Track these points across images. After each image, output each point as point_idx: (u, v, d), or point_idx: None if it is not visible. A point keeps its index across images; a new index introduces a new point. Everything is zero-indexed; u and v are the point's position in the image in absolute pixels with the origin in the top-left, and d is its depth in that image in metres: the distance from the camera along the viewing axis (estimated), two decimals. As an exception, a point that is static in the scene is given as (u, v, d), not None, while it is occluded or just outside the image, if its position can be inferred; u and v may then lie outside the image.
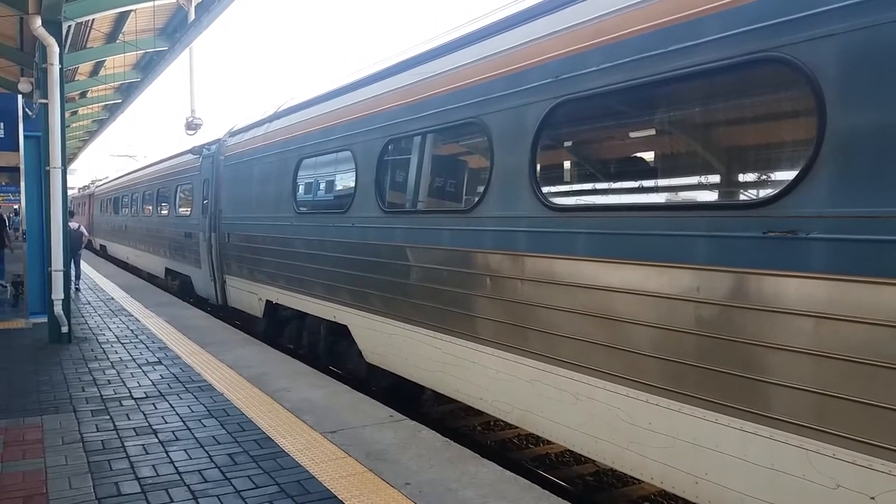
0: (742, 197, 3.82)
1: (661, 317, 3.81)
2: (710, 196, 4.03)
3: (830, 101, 3.05)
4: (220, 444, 4.98)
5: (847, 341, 2.96)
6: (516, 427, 6.79)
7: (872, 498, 2.88)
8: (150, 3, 11.93)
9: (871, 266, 2.87)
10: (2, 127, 9.71)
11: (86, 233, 16.17)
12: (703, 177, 4.19)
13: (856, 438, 2.94)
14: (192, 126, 19.89)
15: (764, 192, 3.51)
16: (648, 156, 4.69)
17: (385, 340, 6.69)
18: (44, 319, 9.48)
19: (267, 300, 9.74)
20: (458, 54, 5.85)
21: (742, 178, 3.98)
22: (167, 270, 15.99)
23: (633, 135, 4.79)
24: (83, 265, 20.37)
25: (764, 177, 3.77)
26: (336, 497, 4.04)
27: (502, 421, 6.79)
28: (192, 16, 12.98)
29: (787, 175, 3.31)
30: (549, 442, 6.36)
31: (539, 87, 4.74)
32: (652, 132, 4.54)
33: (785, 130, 3.65)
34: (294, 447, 4.91)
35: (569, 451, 6.30)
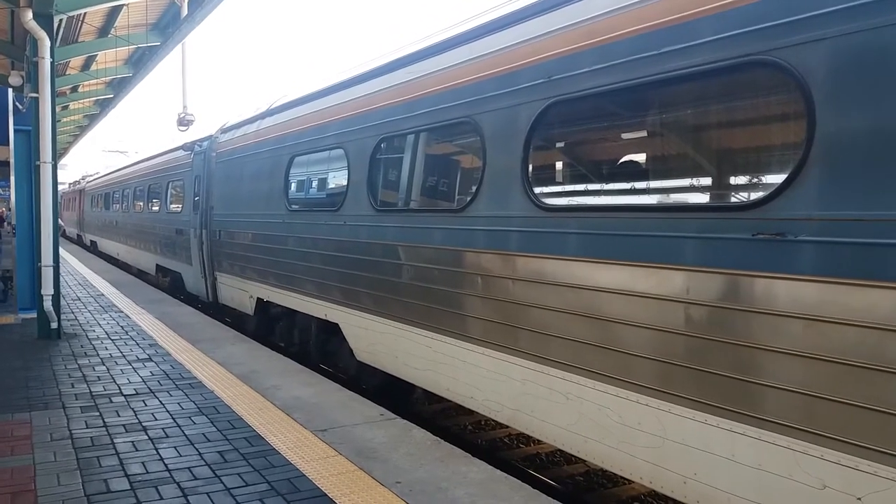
0: (732, 199, 3.85)
1: (651, 317, 3.83)
2: (701, 198, 4.09)
3: (820, 104, 3.08)
4: (210, 441, 4.97)
5: (834, 343, 2.99)
6: (507, 426, 6.80)
7: (859, 499, 2.91)
8: (143, -2, 11.88)
9: (859, 268, 2.90)
10: (-8, 121, 9.65)
11: (61, 222, 16.16)
12: (693, 179, 4.24)
13: (842, 439, 2.96)
14: (184, 122, 19.85)
15: (753, 195, 3.52)
16: (639, 157, 4.72)
17: (376, 339, 6.70)
18: (33, 315, 9.41)
19: (258, 298, 9.72)
20: (451, 53, 5.84)
21: (732, 180, 4.02)
22: (158, 267, 15.94)
23: (624, 136, 4.82)
24: (74, 261, 20.28)
25: (753, 179, 3.81)
26: (326, 495, 4.04)
27: (493, 420, 6.81)
28: (184, 11, 12.91)
29: (777, 178, 3.33)
30: (539, 442, 6.38)
31: (532, 88, 4.75)
32: (644, 134, 4.57)
33: (775, 133, 3.67)
34: (284, 445, 4.90)
35: (559, 451, 6.31)
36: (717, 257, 3.48)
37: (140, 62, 18.19)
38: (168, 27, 15.13)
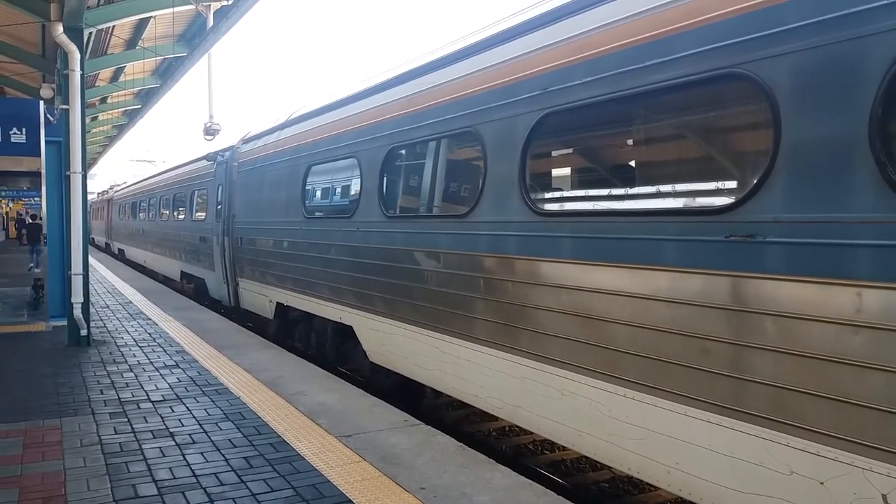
0: (707, 203, 4.03)
1: (636, 316, 4.05)
2: (680, 202, 4.29)
3: (785, 113, 3.29)
4: (236, 447, 5.01)
5: (800, 338, 3.18)
6: (531, 433, 6.77)
7: (822, 483, 3.10)
8: (170, 10, 12.06)
9: (822, 267, 3.09)
10: (24, 132, 9.81)
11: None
12: (673, 184, 4.45)
13: (807, 428, 3.16)
14: (210, 131, 20.07)
15: (726, 199, 3.70)
16: (625, 164, 5.06)
17: (387, 340, 6.95)
18: (63, 322, 9.57)
19: (277, 302, 10.00)
20: (454, 67, 6.10)
21: (707, 185, 4.22)
22: (182, 273, 16.27)
23: (611, 144, 5.16)
24: (103, 269, 20.62)
25: (727, 184, 4.00)
26: (351, 501, 4.05)
27: (517, 426, 6.78)
28: (210, 22, 13.08)
29: (747, 183, 3.55)
30: (564, 448, 6.34)
31: (528, 99, 4.98)
32: (629, 142, 4.88)
33: (746, 141, 3.88)
34: (309, 451, 4.92)
35: (584, 457, 6.27)
36: (694, 258, 3.69)
37: (167, 73, 18.45)
38: (194, 38, 15.33)
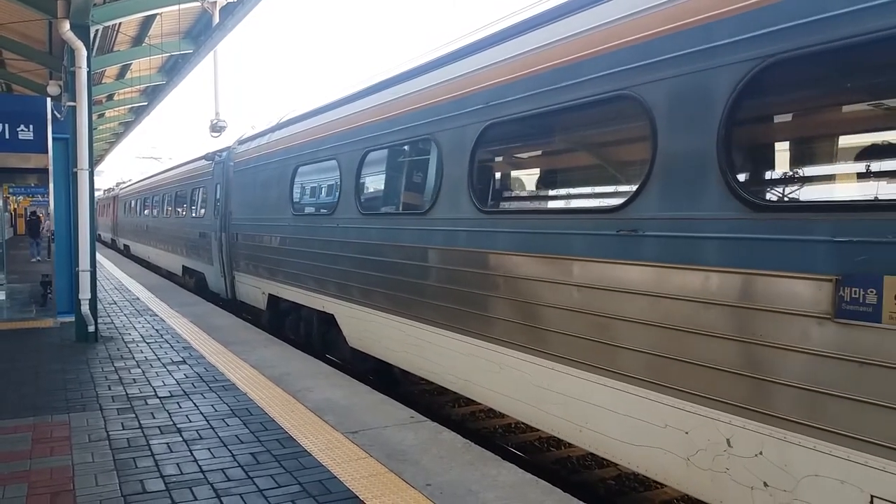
0: (605, 204, 4.73)
1: (553, 298, 4.76)
2: (584, 203, 5.12)
3: (660, 129, 3.99)
4: (243, 443, 5.03)
5: (667, 313, 3.88)
6: (537, 430, 6.78)
7: (687, 433, 3.80)
8: (176, 7, 12.08)
9: (684, 256, 3.80)
10: (31, 129, 9.82)
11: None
12: (581, 187, 5.44)
13: (673, 387, 3.86)
14: (216, 128, 20.13)
15: (617, 200, 4.36)
16: (546, 168, 5.94)
17: (364, 326, 7.65)
18: (71, 319, 9.62)
19: (269, 294, 10.69)
20: (419, 79, 6.80)
21: (606, 188, 5.12)
22: (184, 268, 16.69)
23: (536, 152, 6.06)
24: (110, 265, 20.69)
25: (619, 187, 4.82)
26: (357, 497, 4.06)
27: (523, 424, 6.79)
28: (216, 19, 13.10)
29: (632, 187, 4.23)
30: (570, 445, 6.34)
31: (475, 112, 5.70)
32: (549, 151, 5.77)
33: (633, 151, 4.57)
34: (316, 447, 4.94)
35: (591, 454, 6.27)
36: (596, 249, 4.41)
37: (173, 70, 18.47)
38: (200, 35, 15.35)
